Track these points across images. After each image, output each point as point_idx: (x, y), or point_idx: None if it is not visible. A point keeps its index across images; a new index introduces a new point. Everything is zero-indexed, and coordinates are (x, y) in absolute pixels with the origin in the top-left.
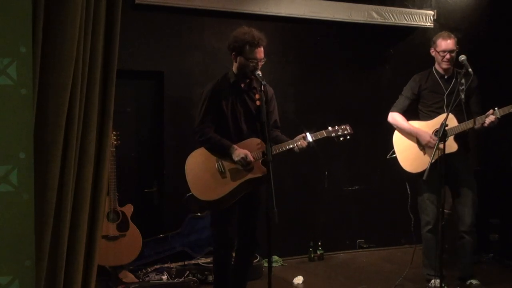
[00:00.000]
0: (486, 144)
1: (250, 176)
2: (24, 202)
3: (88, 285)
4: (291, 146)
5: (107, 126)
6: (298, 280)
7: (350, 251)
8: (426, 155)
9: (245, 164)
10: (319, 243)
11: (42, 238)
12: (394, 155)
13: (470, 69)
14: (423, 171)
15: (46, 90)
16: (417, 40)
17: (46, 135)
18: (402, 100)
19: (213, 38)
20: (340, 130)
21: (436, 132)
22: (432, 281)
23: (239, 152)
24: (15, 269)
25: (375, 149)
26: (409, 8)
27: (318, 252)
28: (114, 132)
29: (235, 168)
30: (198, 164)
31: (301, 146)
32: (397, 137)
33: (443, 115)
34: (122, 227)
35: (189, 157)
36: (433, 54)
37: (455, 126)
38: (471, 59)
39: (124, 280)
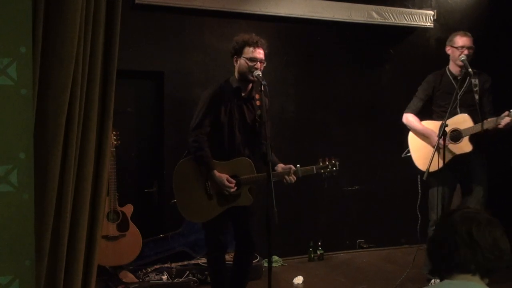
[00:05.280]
0: (486, 143)
1: (236, 204)
2: (24, 202)
3: (88, 285)
4: (280, 177)
5: (107, 126)
6: (298, 280)
7: (350, 251)
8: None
9: (227, 188)
10: (319, 243)
11: (42, 238)
12: (409, 154)
13: (470, 69)
14: (436, 171)
15: (46, 90)
16: (417, 40)
17: (46, 135)
18: (416, 102)
19: (213, 38)
20: (329, 166)
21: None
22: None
23: (218, 178)
24: (15, 269)
25: (375, 149)
26: (409, 8)
27: (318, 252)
28: (114, 132)
29: (222, 192)
30: (187, 179)
31: (290, 182)
32: (411, 137)
33: (458, 116)
34: (122, 227)
35: (178, 166)
36: (449, 52)
37: (470, 127)
38: (470, 59)
39: (124, 280)
